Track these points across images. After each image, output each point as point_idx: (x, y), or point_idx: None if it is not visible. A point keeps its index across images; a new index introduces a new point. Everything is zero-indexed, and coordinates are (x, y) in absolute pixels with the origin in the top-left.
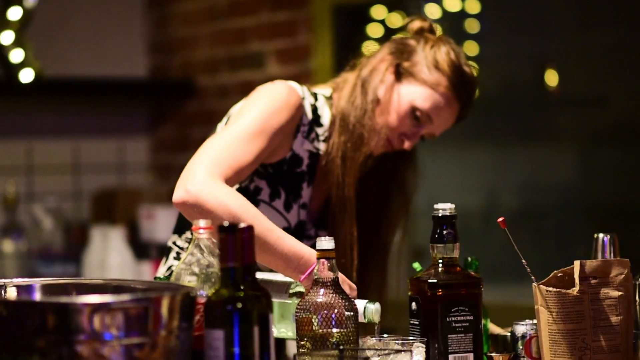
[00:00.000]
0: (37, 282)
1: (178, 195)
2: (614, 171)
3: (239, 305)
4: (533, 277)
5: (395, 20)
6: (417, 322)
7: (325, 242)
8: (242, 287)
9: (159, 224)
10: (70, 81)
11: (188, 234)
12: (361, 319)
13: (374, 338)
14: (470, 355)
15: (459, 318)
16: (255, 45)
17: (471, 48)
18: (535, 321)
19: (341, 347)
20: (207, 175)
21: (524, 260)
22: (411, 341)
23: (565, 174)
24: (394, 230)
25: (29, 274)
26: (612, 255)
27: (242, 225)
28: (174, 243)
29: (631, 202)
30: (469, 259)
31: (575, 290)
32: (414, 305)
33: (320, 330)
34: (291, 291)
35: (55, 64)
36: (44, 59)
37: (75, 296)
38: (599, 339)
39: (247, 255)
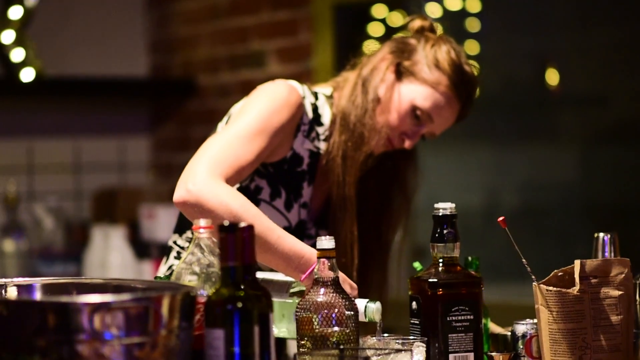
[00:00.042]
0: (37, 281)
1: (179, 194)
2: (615, 170)
3: (240, 304)
4: (533, 277)
5: (396, 19)
6: (417, 322)
7: (326, 242)
8: (242, 287)
9: (159, 224)
10: (71, 80)
11: (189, 234)
12: (362, 318)
13: (374, 337)
14: (471, 355)
15: (460, 317)
16: (256, 45)
17: (472, 47)
18: (535, 320)
19: (341, 347)
20: (208, 175)
21: (524, 260)
22: (411, 340)
23: (565, 173)
24: (394, 229)
25: (29, 273)
26: (612, 254)
27: (242, 224)
28: (175, 242)
29: (632, 202)
30: (470, 258)
31: (575, 290)
32: (414, 304)
33: (321, 330)
34: (292, 290)
35: (56, 63)
36: (44, 58)
37: (76, 296)
38: (599, 338)
39: (248, 255)
